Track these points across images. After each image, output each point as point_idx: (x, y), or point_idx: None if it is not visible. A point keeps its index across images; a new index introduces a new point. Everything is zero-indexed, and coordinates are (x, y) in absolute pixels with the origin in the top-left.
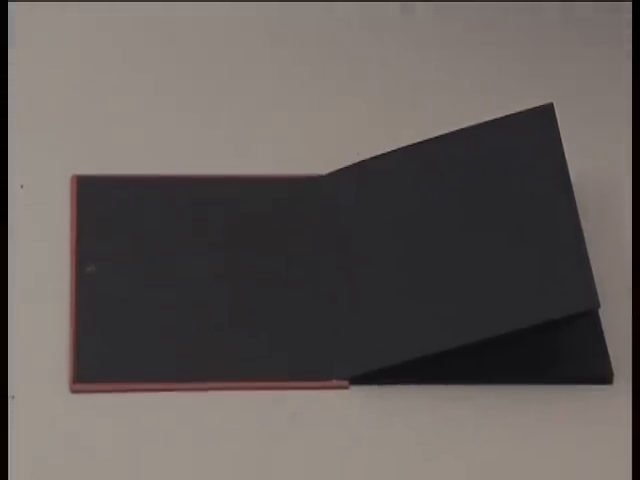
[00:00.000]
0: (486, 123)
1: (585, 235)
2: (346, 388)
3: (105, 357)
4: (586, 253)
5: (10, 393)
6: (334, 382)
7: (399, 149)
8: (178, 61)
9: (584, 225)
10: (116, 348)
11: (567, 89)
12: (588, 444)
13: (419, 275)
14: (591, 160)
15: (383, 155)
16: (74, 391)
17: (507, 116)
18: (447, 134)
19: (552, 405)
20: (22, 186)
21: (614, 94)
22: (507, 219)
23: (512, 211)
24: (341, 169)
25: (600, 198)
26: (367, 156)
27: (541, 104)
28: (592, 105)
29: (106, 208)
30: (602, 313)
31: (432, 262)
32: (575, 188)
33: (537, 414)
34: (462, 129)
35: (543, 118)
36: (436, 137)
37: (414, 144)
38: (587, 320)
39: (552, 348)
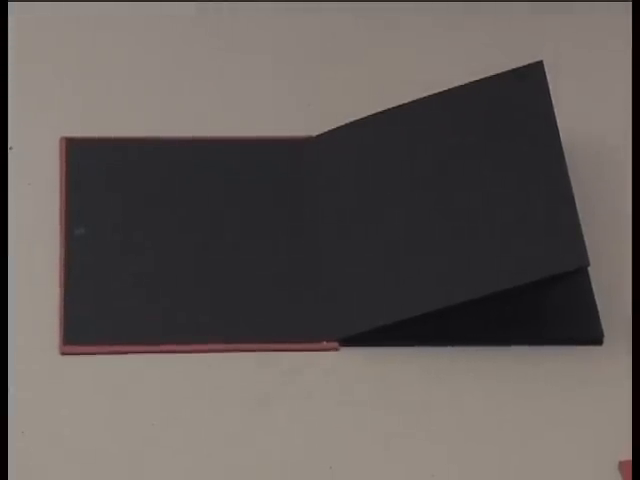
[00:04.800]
0: (476, 82)
1: (576, 196)
2: (336, 350)
3: (94, 319)
4: (576, 212)
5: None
6: (324, 344)
7: (391, 109)
8: (169, 24)
9: (576, 186)
10: (105, 310)
11: (562, 47)
12: (578, 405)
13: (407, 237)
14: (585, 121)
15: (374, 115)
16: (63, 353)
17: (497, 75)
18: (437, 94)
19: (541, 366)
20: (11, 148)
21: (613, 55)
22: (496, 179)
23: (501, 171)
24: (332, 130)
25: (592, 158)
26: (360, 117)
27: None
28: (588, 65)
29: (95, 170)
30: (592, 273)
31: (421, 223)
32: (567, 148)
33: (528, 375)
34: (452, 88)
35: (533, 77)
36: (426, 97)
37: (405, 104)
38: (577, 280)
39: (542, 309)
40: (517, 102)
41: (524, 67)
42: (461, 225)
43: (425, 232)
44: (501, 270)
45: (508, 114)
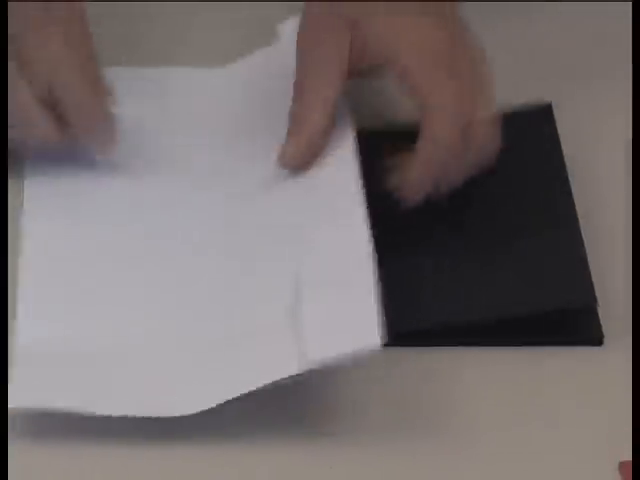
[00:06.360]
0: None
1: (576, 196)
2: None
3: None
4: (584, 252)
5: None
6: None
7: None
8: (169, 24)
9: (576, 186)
10: None
11: (563, 47)
12: (578, 406)
13: (407, 252)
14: (585, 122)
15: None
16: None
17: (504, 113)
18: None
19: (541, 366)
20: None
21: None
22: (505, 216)
23: (510, 208)
24: None
25: (592, 159)
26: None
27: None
28: (589, 67)
29: None
30: (592, 273)
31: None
32: (566, 148)
33: (527, 375)
34: None
35: (541, 118)
36: None
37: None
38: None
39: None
40: (525, 143)
41: (531, 107)
42: (466, 260)
43: (419, 246)
44: (503, 299)
45: (515, 153)
